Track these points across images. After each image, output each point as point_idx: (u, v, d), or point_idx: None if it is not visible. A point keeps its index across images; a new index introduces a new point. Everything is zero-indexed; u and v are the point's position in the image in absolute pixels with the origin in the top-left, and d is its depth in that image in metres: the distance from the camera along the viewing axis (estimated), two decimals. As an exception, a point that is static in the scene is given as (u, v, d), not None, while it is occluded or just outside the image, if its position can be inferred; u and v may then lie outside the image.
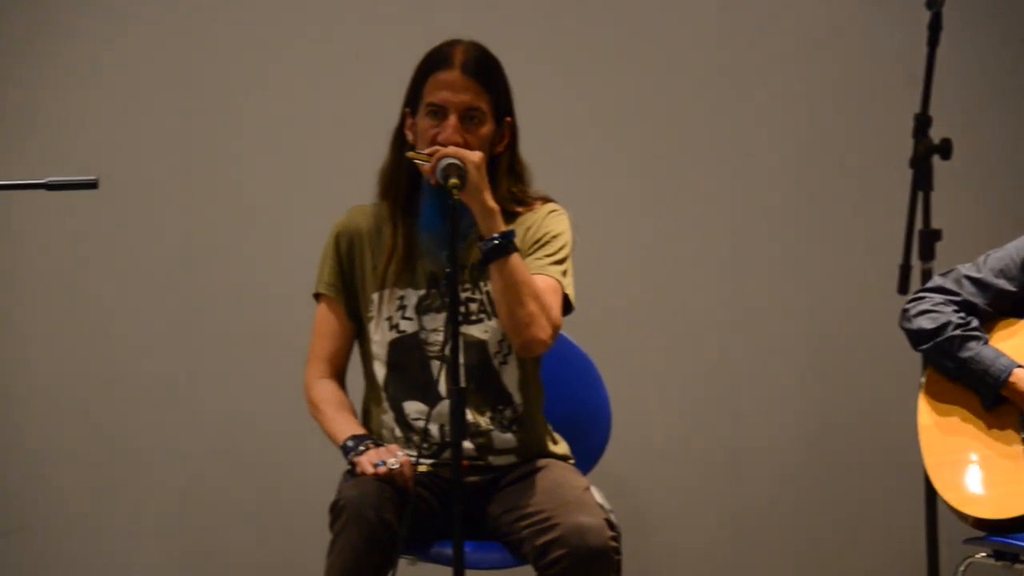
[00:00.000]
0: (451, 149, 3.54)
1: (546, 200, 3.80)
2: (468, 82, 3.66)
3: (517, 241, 3.58)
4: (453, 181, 3.44)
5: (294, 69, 4.87)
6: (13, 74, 4.80)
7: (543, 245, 3.71)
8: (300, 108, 4.87)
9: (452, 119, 3.64)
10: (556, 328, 3.62)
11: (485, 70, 3.69)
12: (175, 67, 4.84)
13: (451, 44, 3.71)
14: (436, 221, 3.63)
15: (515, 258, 3.55)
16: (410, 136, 3.72)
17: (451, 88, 3.65)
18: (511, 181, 3.74)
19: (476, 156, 3.54)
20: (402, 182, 3.74)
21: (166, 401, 4.83)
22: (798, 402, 5.01)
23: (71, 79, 4.83)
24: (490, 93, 3.69)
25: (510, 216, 3.71)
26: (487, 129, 3.68)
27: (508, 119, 3.74)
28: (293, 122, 4.87)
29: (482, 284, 3.70)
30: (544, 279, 3.65)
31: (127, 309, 4.84)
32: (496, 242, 3.54)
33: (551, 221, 3.75)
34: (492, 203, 3.56)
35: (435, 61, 3.69)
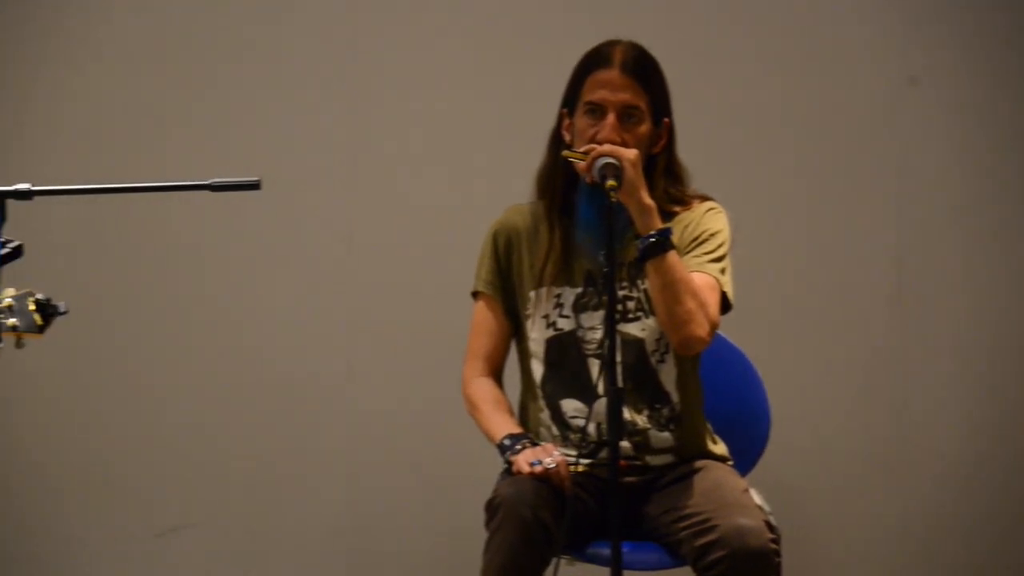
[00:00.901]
0: (607, 147, 3.53)
1: (704, 198, 3.77)
2: (627, 81, 3.64)
3: (675, 239, 3.56)
4: (611, 183, 3.42)
5: (452, 68, 4.89)
6: (188, 78, 4.88)
7: (701, 243, 3.68)
8: (459, 108, 4.88)
9: (610, 118, 3.63)
10: (714, 326, 3.59)
11: (644, 69, 3.67)
12: (336, 67, 4.88)
13: (610, 44, 3.70)
14: (592, 220, 3.62)
15: (672, 255, 3.53)
16: (567, 136, 3.71)
17: (610, 87, 3.64)
18: (668, 182, 3.72)
19: (632, 154, 3.52)
20: (559, 181, 3.74)
21: (327, 399, 4.87)
22: (968, 399, 4.90)
23: (232, 81, 4.89)
24: (648, 92, 3.67)
25: (668, 216, 3.68)
26: (645, 128, 3.66)
27: (666, 120, 3.72)
28: (453, 122, 4.88)
29: (639, 282, 3.68)
30: (702, 276, 3.62)
31: (288, 308, 4.89)
32: (653, 240, 3.52)
33: (709, 219, 3.72)
34: (648, 200, 3.53)
35: (594, 60, 3.69)
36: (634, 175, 3.51)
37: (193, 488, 4.87)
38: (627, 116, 3.64)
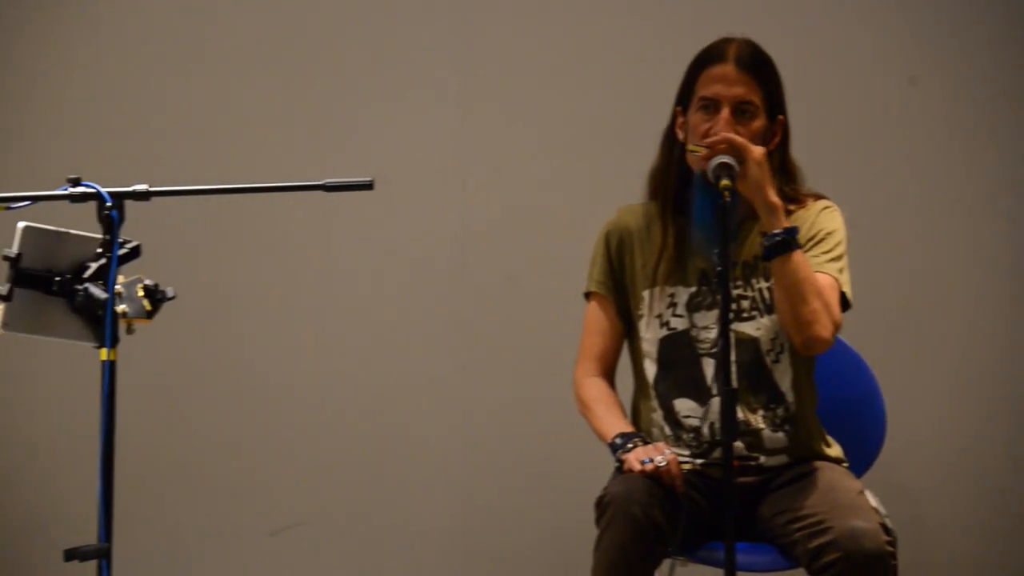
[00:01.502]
0: (738, 139, 3.51)
1: (818, 197, 3.74)
2: (741, 75, 3.62)
3: (796, 238, 3.53)
4: (724, 182, 3.40)
5: (565, 69, 4.89)
6: (301, 79, 4.92)
7: (818, 242, 3.65)
8: (570, 108, 4.88)
9: (724, 112, 3.61)
10: (837, 327, 3.56)
11: (758, 65, 3.65)
12: (449, 69, 4.90)
13: (725, 40, 3.68)
14: (707, 219, 3.60)
15: (798, 255, 3.50)
16: (681, 134, 3.70)
17: (724, 81, 3.62)
18: (782, 180, 3.69)
19: (758, 152, 3.50)
20: (673, 180, 3.72)
21: (441, 398, 4.88)
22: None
23: (348, 82, 4.92)
24: (763, 88, 3.64)
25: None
26: (759, 124, 3.64)
27: (780, 117, 3.69)
28: (564, 121, 4.88)
29: (754, 281, 3.66)
30: (822, 276, 3.58)
31: (402, 307, 4.91)
32: (779, 238, 3.49)
33: (824, 218, 3.69)
34: (775, 199, 3.50)
35: (708, 56, 3.67)
36: (759, 173, 3.48)
37: (307, 487, 4.90)
38: (741, 111, 3.62)
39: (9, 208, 2.94)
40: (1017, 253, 4.86)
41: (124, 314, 2.91)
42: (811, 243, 3.64)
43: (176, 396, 4.88)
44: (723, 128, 3.58)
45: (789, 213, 3.66)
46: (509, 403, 4.86)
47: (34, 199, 2.93)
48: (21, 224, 2.79)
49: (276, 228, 4.89)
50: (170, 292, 2.98)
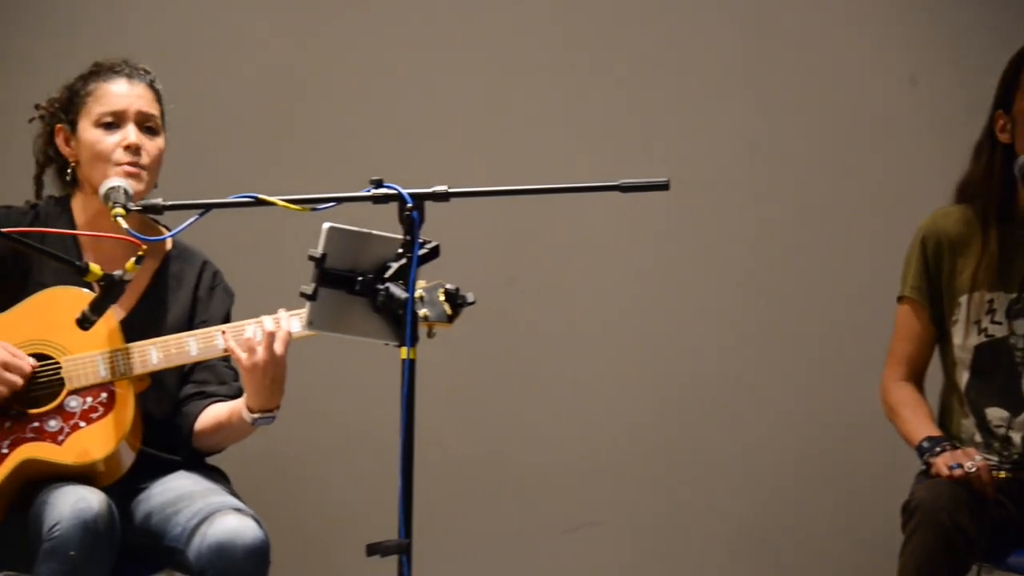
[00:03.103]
0: None
1: None
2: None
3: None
4: None
5: (858, 69, 4.82)
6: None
7: None
8: (861, 105, 4.83)
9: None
10: None
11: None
12: (748, 68, 4.88)
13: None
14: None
15: None
16: (1004, 137, 3.62)
17: None
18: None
19: None
20: (995, 184, 3.64)
21: (735, 399, 4.85)
22: None
23: (638, 83, 4.93)
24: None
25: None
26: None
27: None
28: (853, 118, 4.83)
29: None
30: None
31: (696, 308, 4.89)
32: None
33: None
34: None
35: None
36: None
37: (602, 486, 4.91)
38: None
39: (314, 210, 3.01)
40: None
41: (425, 318, 2.96)
42: None
43: (474, 395, 4.94)
44: None
45: None
46: (811, 407, 4.80)
47: (338, 200, 2.99)
48: (326, 225, 2.85)
49: (570, 228, 4.92)
50: (470, 297, 3.01)
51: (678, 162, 4.79)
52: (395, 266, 2.89)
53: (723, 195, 4.87)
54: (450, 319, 2.99)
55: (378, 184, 2.94)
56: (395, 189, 2.92)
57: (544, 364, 4.94)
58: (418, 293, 2.95)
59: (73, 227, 3.48)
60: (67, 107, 3.49)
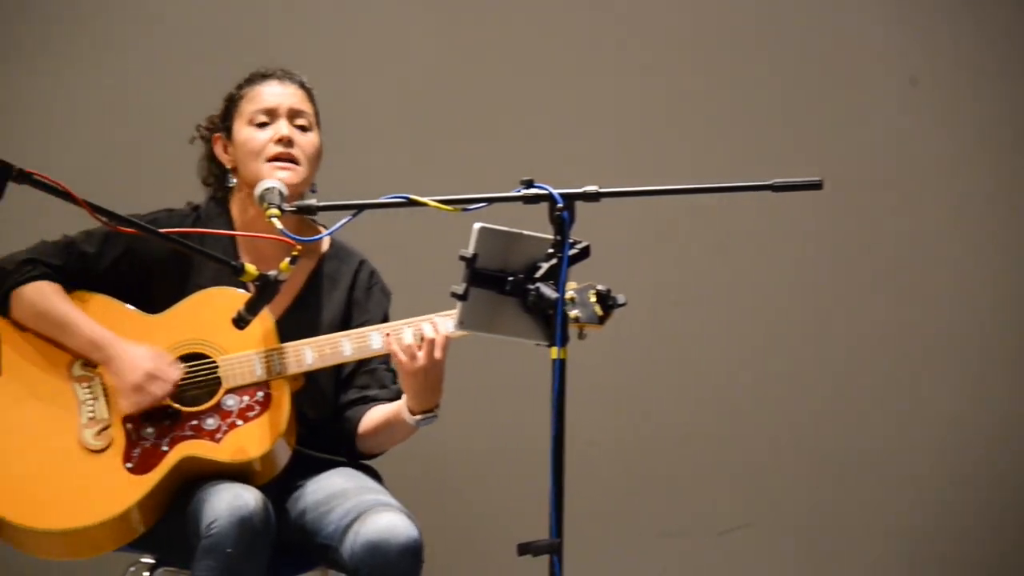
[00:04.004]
0: None
1: None
2: None
3: None
4: None
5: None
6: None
7: None
8: None
9: None
10: None
11: None
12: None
13: None
14: None
15: None
16: None
17: None
18: None
19: None
20: None
21: (893, 401, 4.80)
22: None
23: (790, 82, 4.89)
24: None
25: None
26: None
27: None
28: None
29: None
30: None
31: (858, 307, 4.85)
32: None
33: None
34: None
35: None
36: None
37: (755, 487, 4.88)
38: None
39: (465, 210, 3.02)
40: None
41: (576, 319, 2.96)
42: None
43: (624, 394, 4.93)
44: None
45: None
46: (963, 407, 4.74)
47: (489, 200, 3.00)
48: (477, 225, 2.86)
49: (718, 228, 4.90)
50: (621, 299, 3.00)
51: (829, 162, 4.75)
52: (545, 266, 2.89)
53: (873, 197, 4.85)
54: (601, 320, 2.99)
55: (528, 184, 2.95)
56: (546, 189, 2.92)
57: (696, 364, 4.92)
58: (569, 295, 2.95)
59: (231, 228, 3.53)
60: (224, 116, 3.57)
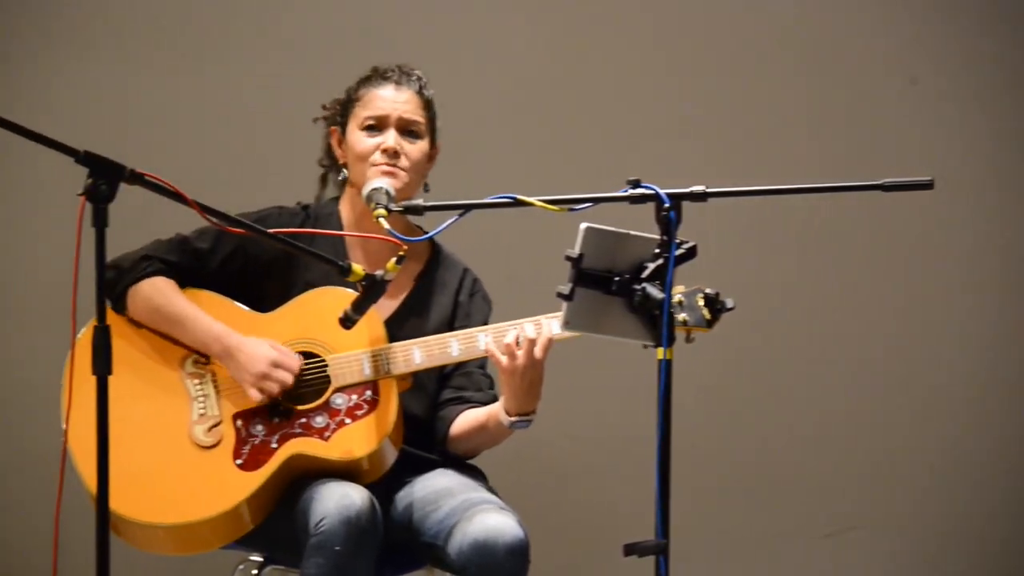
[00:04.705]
0: None
1: None
2: None
3: None
4: None
5: None
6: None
7: None
8: None
9: None
10: None
11: None
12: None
13: None
14: None
15: None
16: None
17: None
18: None
19: None
20: None
21: (1006, 402, 4.76)
22: None
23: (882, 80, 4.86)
24: None
25: None
26: None
27: None
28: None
29: None
30: None
31: (962, 309, 4.81)
32: None
33: None
34: None
35: None
36: None
37: (864, 490, 4.85)
38: None
39: (572, 210, 3.02)
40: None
41: (684, 322, 2.95)
42: None
43: (733, 396, 4.92)
44: None
45: None
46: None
47: (595, 200, 3.00)
48: (583, 225, 2.86)
49: (831, 228, 4.87)
50: (730, 303, 2.99)
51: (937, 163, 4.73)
52: (652, 266, 2.88)
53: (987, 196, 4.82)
54: (709, 324, 2.98)
55: (635, 184, 2.95)
56: (652, 189, 2.92)
57: (805, 365, 4.89)
58: (677, 298, 2.94)
59: (341, 227, 3.56)
60: (342, 111, 3.59)
